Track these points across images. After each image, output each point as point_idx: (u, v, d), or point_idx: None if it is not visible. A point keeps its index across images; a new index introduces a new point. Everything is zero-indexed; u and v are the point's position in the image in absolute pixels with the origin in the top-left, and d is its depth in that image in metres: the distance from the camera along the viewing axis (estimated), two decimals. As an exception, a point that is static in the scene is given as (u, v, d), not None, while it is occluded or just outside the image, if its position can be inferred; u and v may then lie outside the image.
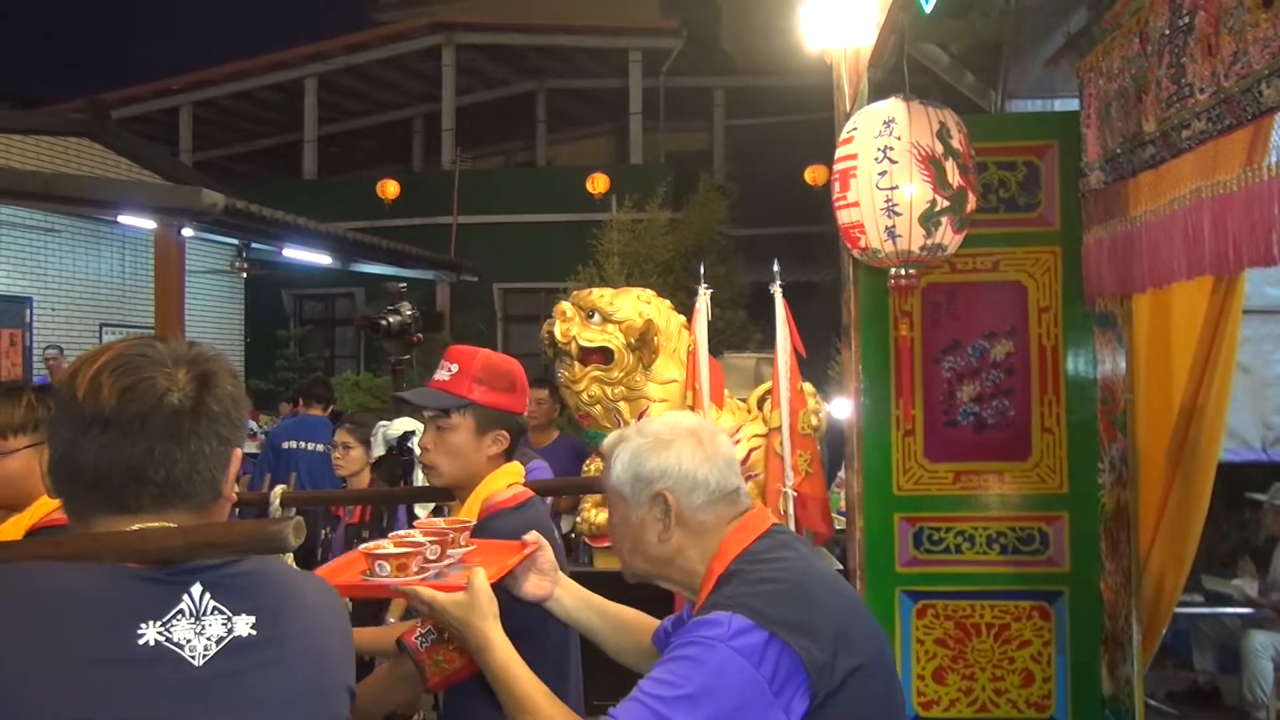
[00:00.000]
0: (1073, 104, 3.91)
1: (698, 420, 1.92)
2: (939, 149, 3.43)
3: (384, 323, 3.40)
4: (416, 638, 2.25)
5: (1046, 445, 4.12)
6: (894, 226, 3.45)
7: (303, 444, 6.97)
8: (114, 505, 1.21)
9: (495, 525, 2.33)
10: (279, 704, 1.20)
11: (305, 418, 7.47)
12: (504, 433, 2.43)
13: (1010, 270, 4.15)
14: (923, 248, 3.47)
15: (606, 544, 5.34)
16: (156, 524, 1.21)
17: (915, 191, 3.41)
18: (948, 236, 3.48)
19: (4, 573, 1.14)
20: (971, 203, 3.50)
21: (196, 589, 1.18)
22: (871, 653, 1.74)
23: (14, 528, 2.22)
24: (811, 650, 1.63)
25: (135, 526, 1.20)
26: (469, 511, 2.40)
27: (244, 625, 1.19)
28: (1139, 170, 3.18)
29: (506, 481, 2.43)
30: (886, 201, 3.44)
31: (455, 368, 2.42)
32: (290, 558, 1.72)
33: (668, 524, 1.78)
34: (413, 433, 3.71)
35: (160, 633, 1.14)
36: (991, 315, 4.17)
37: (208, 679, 1.15)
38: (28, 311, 11.27)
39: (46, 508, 2.23)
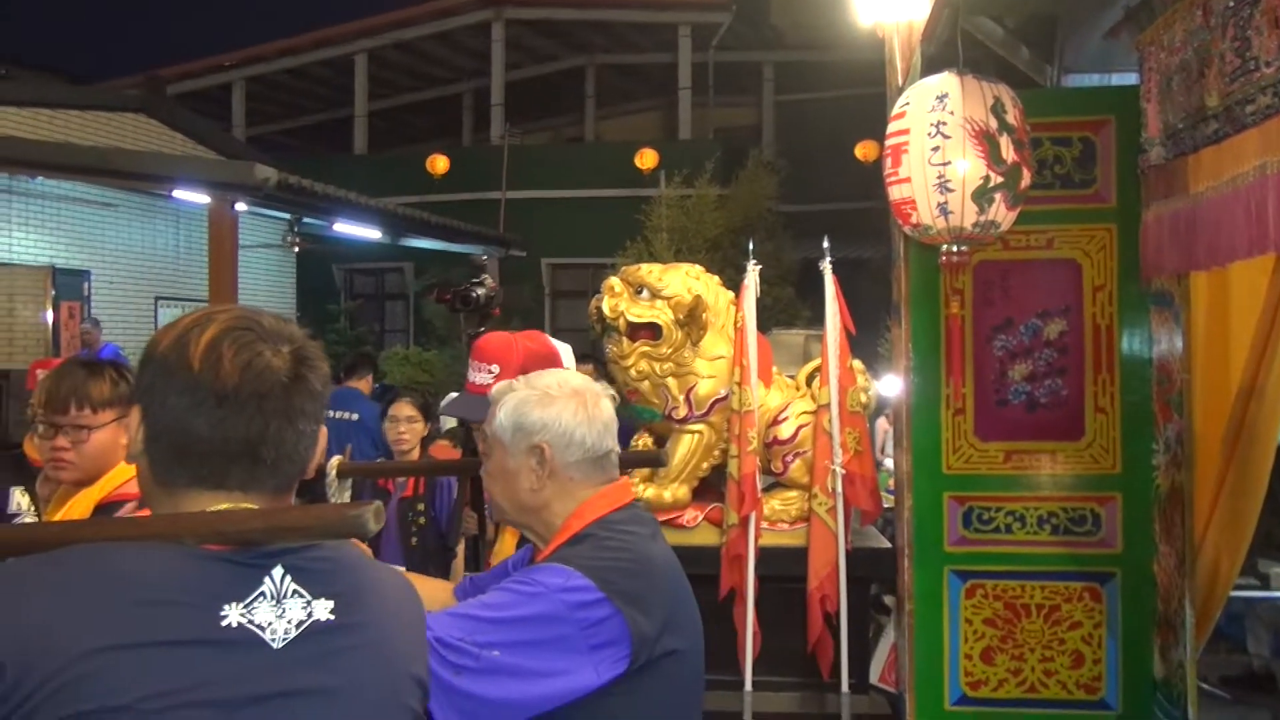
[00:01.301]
0: (1131, 78, 3.84)
1: (585, 381, 1.94)
2: (993, 124, 3.38)
3: (475, 295, 3.40)
4: None
5: (1100, 425, 4.07)
6: (946, 203, 3.41)
7: (334, 412, 7.06)
8: (214, 481, 1.20)
9: None
10: (353, 689, 1.20)
11: (344, 389, 7.57)
12: None
13: (1065, 248, 4.09)
14: (975, 224, 3.43)
15: (660, 519, 5.35)
16: (238, 505, 1.21)
17: (968, 167, 3.36)
18: (1001, 213, 3.44)
19: (87, 553, 1.14)
20: (1026, 179, 3.45)
21: (278, 572, 1.18)
22: (691, 641, 1.82)
23: (85, 500, 2.26)
24: (640, 623, 1.69)
25: (222, 505, 1.20)
26: None
27: (323, 610, 1.20)
28: (1200, 146, 3.12)
29: None
30: (939, 177, 3.40)
31: (497, 369, 2.39)
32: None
33: (540, 475, 1.82)
34: None
35: (243, 614, 1.14)
36: (1045, 293, 4.12)
37: (286, 662, 1.15)
38: (86, 284, 11.46)
39: (115, 481, 2.26)
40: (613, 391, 1.90)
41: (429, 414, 4.55)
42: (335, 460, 2.71)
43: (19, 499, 3.34)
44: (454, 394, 3.86)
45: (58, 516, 2.28)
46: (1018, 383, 4.12)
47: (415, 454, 4.57)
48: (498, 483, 1.87)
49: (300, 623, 1.18)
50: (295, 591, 1.19)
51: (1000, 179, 3.37)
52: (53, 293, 10.71)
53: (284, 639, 1.16)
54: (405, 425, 4.57)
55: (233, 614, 1.14)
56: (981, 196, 3.38)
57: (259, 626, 1.15)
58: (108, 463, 2.30)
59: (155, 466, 1.22)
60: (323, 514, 1.20)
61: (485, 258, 3.79)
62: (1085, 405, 4.08)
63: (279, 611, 1.17)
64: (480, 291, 3.47)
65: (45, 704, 1.03)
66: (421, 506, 4.38)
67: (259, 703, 1.13)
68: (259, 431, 1.20)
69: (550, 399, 1.84)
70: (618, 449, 1.91)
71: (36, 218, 10.95)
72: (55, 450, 2.28)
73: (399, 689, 1.28)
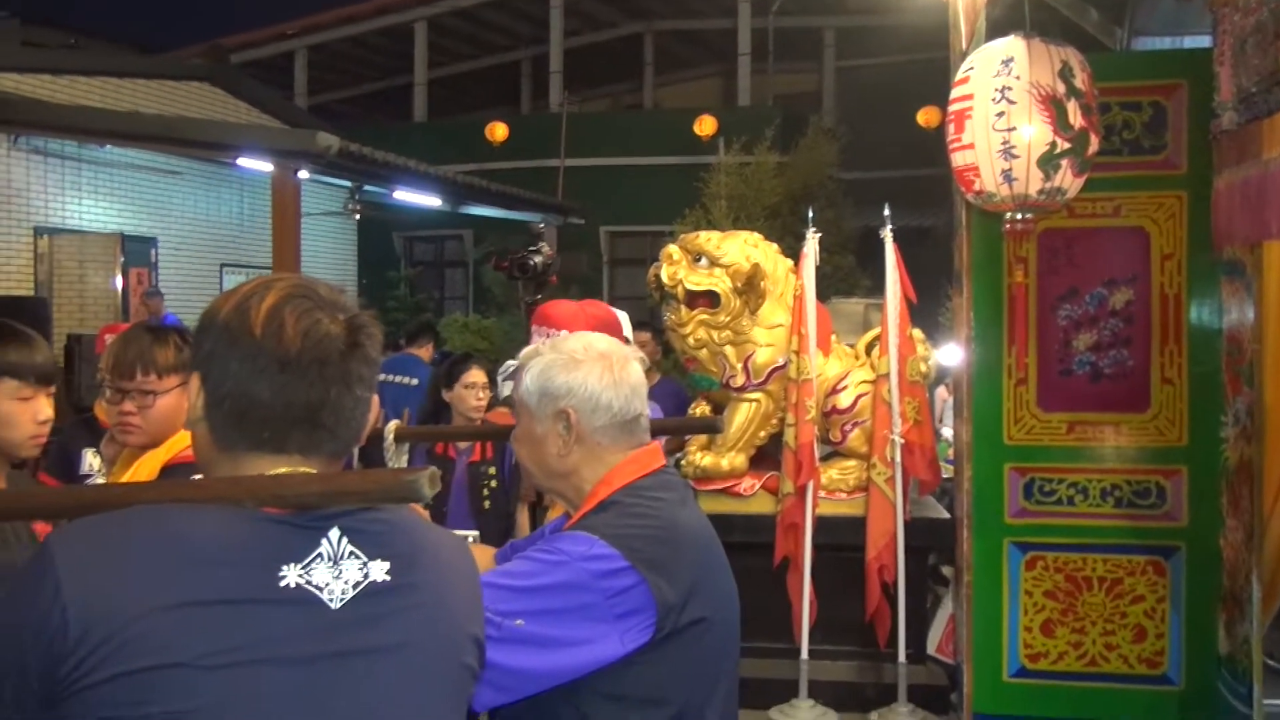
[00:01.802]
0: (1204, 41, 3.74)
1: (613, 344, 1.91)
2: (1060, 89, 3.31)
3: (532, 263, 3.42)
4: None
5: (1166, 397, 4.00)
6: (1010, 169, 3.35)
7: (392, 377, 7.14)
8: (274, 445, 1.22)
9: None
10: (409, 649, 1.22)
11: (404, 355, 7.66)
12: None
13: (1133, 215, 4.00)
14: (1040, 191, 3.37)
15: (711, 486, 5.37)
16: (296, 469, 1.23)
17: (1034, 133, 3.30)
18: (1067, 180, 3.37)
19: (150, 514, 1.16)
20: (1093, 145, 3.38)
21: (334, 533, 1.19)
22: (719, 609, 1.77)
23: (151, 462, 2.31)
24: (665, 590, 1.67)
25: (280, 470, 1.22)
26: None
27: (379, 571, 1.21)
28: (1275, 110, 3.03)
29: None
30: (1003, 143, 3.34)
31: (564, 335, 2.41)
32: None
33: (568, 441, 1.81)
34: None
35: (301, 575, 1.16)
36: (1112, 262, 4.04)
37: (343, 622, 1.17)
38: (153, 251, 11.67)
39: (180, 444, 2.30)
40: (643, 355, 1.86)
41: (450, 380, 4.59)
42: (393, 425, 2.73)
43: (91, 460, 3.42)
44: (512, 361, 3.88)
45: (124, 478, 2.33)
46: (1082, 353, 4.06)
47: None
48: (525, 448, 1.86)
49: (357, 584, 1.20)
50: (352, 553, 1.20)
51: (1067, 145, 3.31)
52: (121, 259, 10.92)
53: (341, 599, 1.18)
54: (482, 392, 4.61)
55: (291, 574, 1.16)
56: (1047, 163, 3.32)
57: (316, 587, 1.17)
58: (173, 426, 2.35)
59: (215, 432, 1.24)
60: (379, 479, 1.21)
61: (542, 226, 3.81)
62: (1151, 376, 4.01)
63: (336, 572, 1.18)
64: (537, 259, 3.49)
65: (108, 660, 1.06)
66: (492, 470, 4.42)
67: (316, 661, 1.15)
68: (319, 397, 1.22)
69: (576, 363, 1.82)
70: (647, 413, 1.89)
71: (106, 185, 11.15)
72: (122, 415, 2.33)
73: (456, 648, 1.29)
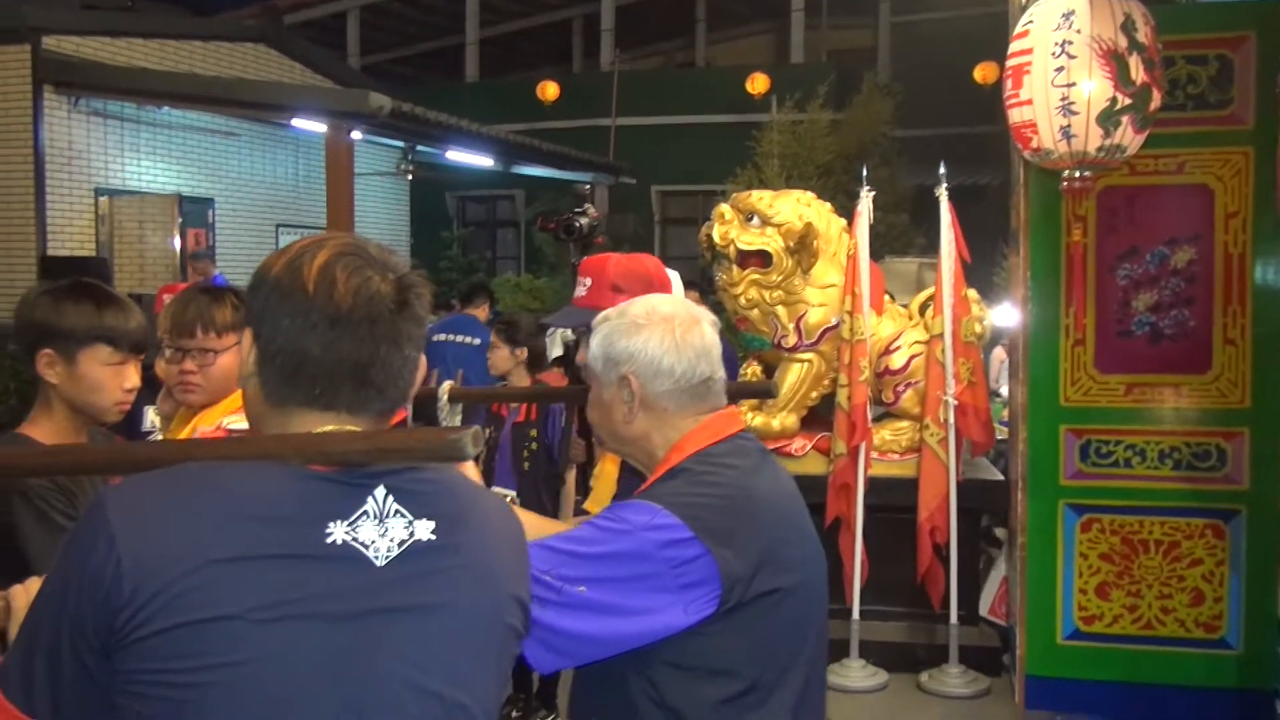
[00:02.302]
0: (1275, -9, 3.63)
1: (679, 306, 1.87)
2: (1122, 43, 3.23)
3: (578, 225, 3.43)
4: None
5: (1229, 358, 3.92)
6: (1069, 126, 3.29)
7: (453, 336, 7.22)
8: (324, 402, 1.23)
9: None
10: (453, 609, 1.23)
11: (461, 315, 7.73)
12: None
13: (1196, 173, 3.92)
14: (1100, 148, 3.30)
15: (767, 447, 5.36)
16: (343, 427, 1.24)
17: (1094, 88, 3.23)
18: (1128, 137, 3.30)
19: (201, 470, 1.18)
20: (1156, 100, 3.31)
21: (380, 492, 1.20)
22: (800, 577, 1.73)
23: (207, 420, 2.34)
24: (730, 561, 1.63)
25: (328, 427, 1.23)
26: None
27: (425, 530, 1.22)
28: (1348, 63, 2.94)
29: None
30: (1062, 99, 3.28)
31: (590, 282, 2.43)
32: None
33: (632, 406, 1.78)
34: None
35: (347, 532, 1.17)
36: (1173, 220, 3.96)
37: (388, 580, 1.18)
38: (210, 212, 11.80)
39: (237, 404, 2.33)
40: (713, 316, 1.83)
41: (516, 341, 4.60)
42: (447, 385, 2.75)
43: (152, 417, 3.50)
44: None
45: (181, 435, 2.37)
46: (1141, 313, 3.99)
47: (521, 380, 4.64)
48: (596, 412, 1.86)
49: (402, 542, 1.20)
50: (397, 511, 1.21)
51: (1128, 100, 3.24)
52: (179, 220, 11.06)
53: (387, 557, 1.19)
54: (492, 352, 4.69)
55: (337, 531, 1.17)
56: (1107, 119, 3.25)
57: (362, 544, 1.18)
58: (232, 385, 2.38)
59: (266, 387, 1.25)
60: (424, 437, 1.22)
61: (588, 187, 3.80)
62: (1213, 337, 3.94)
63: (382, 530, 1.19)
64: (583, 220, 3.50)
65: (160, 613, 1.08)
66: (534, 433, 4.45)
67: (362, 618, 1.16)
68: (369, 354, 1.22)
69: (637, 328, 1.78)
70: (721, 374, 1.85)
71: (164, 147, 11.28)
72: (182, 373, 2.37)
73: (501, 608, 1.30)
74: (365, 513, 1.19)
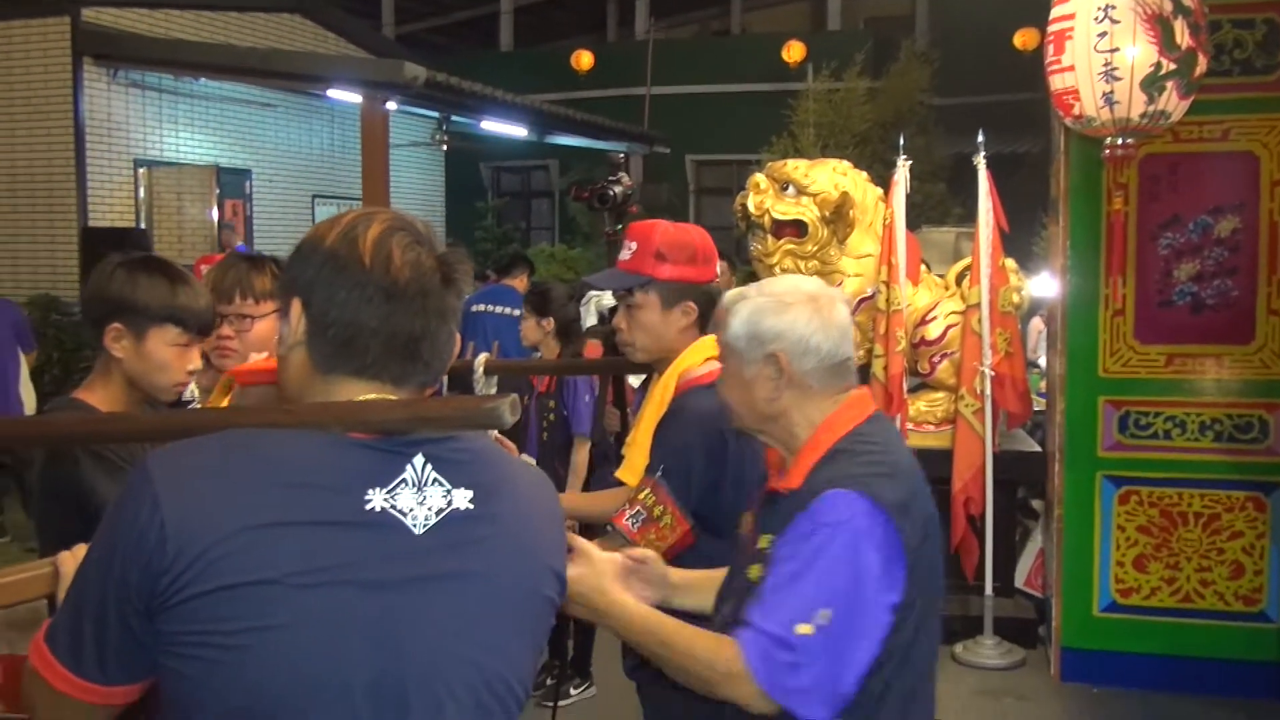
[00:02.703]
0: (1326, -48, 3.55)
1: (820, 285, 1.90)
2: (1167, 7, 3.18)
3: (611, 193, 3.44)
4: (627, 519, 2.33)
5: (1273, 328, 3.87)
6: (1112, 92, 3.24)
7: (490, 307, 7.25)
8: (372, 372, 1.24)
9: (690, 402, 2.37)
10: (490, 578, 1.24)
11: (499, 286, 7.75)
12: (691, 304, 2.44)
13: (1241, 139, 3.85)
14: (1143, 115, 3.25)
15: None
16: (384, 396, 1.25)
17: (1138, 54, 3.18)
18: (1172, 103, 3.25)
19: (242, 437, 1.20)
20: (1201, 65, 3.25)
21: (419, 460, 1.21)
22: (933, 531, 1.79)
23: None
24: (909, 533, 1.68)
25: (370, 396, 1.24)
26: (665, 386, 2.45)
27: (462, 499, 1.23)
28: (1401, 26, 2.87)
29: (702, 356, 2.45)
30: (1105, 65, 3.23)
31: (635, 246, 2.44)
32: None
33: (778, 384, 1.80)
34: None
35: (386, 499, 1.18)
36: (1217, 188, 3.90)
37: (426, 548, 1.19)
38: (248, 183, 11.86)
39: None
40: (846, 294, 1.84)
41: (544, 311, 4.60)
42: (483, 357, 2.77)
43: (192, 388, 3.54)
44: (594, 292, 3.90)
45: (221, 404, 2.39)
46: (1183, 283, 3.94)
47: (550, 350, 4.65)
48: (734, 392, 1.87)
49: (440, 510, 1.21)
50: (436, 480, 1.22)
51: (1173, 66, 3.18)
52: (217, 191, 11.13)
53: (424, 525, 1.20)
54: (522, 323, 4.72)
55: (376, 498, 1.18)
56: (1151, 85, 3.20)
57: (400, 512, 1.19)
58: (269, 351, 2.40)
59: (315, 356, 1.26)
60: (463, 405, 1.23)
61: (622, 156, 3.79)
62: (1257, 307, 3.89)
63: (420, 498, 1.20)
64: (617, 189, 3.50)
65: (202, 575, 1.10)
66: (553, 404, 4.47)
67: (400, 585, 1.18)
68: (422, 327, 1.24)
69: (785, 306, 1.81)
70: (855, 355, 1.89)
71: (201, 118, 11.34)
72: (220, 339, 2.39)
73: (537, 579, 1.31)
74: (404, 480, 1.20)
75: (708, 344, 2.48)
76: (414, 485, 1.21)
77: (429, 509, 1.21)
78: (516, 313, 7.06)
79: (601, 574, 1.81)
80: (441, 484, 1.22)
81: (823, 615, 1.61)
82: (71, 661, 1.16)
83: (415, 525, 1.20)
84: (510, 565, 1.27)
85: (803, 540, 1.67)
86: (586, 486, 4.21)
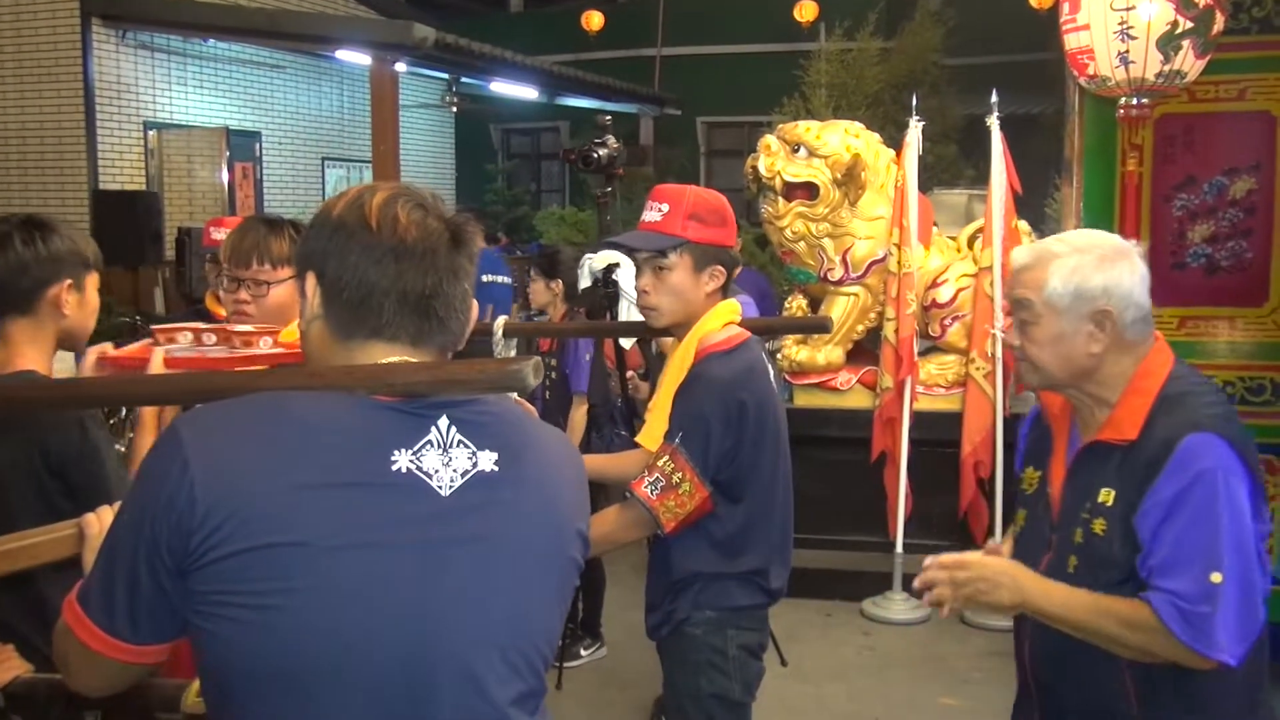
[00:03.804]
0: (1348, -92, 3.49)
1: (1116, 239, 1.92)
2: (1185, -36, 3.13)
3: (595, 155, 3.43)
4: (645, 486, 2.34)
5: (1287, 291, 3.85)
6: (1127, 51, 3.20)
7: (496, 277, 7.16)
8: (390, 333, 1.26)
9: (710, 369, 2.37)
10: (516, 539, 1.26)
11: (488, 253, 7.62)
12: (719, 268, 2.45)
13: (1259, 99, 3.81)
14: (1159, 75, 3.22)
15: (807, 380, 5.36)
16: (407, 359, 1.26)
17: (1154, 11, 3.14)
18: (1188, 62, 3.21)
19: (271, 400, 1.22)
20: (1219, 23, 3.21)
21: (443, 422, 1.23)
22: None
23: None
24: (1253, 463, 1.76)
25: (392, 359, 1.26)
26: (685, 352, 2.44)
27: (488, 461, 1.24)
28: None
29: (721, 321, 2.45)
30: (1120, 24, 3.19)
31: (666, 207, 2.42)
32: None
33: (1101, 339, 1.82)
34: (617, 265, 3.75)
35: (412, 460, 1.20)
36: (1233, 149, 3.86)
37: (453, 509, 1.21)
38: (257, 146, 11.84)
39: (293, 336, 2.33)
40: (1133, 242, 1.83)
41: (551, 274, 4.60)
42: (501, 320, 2.78)
43: (203, 350, 3.54)
44: (590, 255, 3.90)
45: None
46: (1197, 244, 3.92)
47: (558, 313, 4.65)
48: (1047, 349, 1.86)
49: (465, 472, 1.23)
50: (461, 442, 1.23)
51: (1190, 24, 3.15)
52: (227, 154, 11.11)
53: (450, 486, 1.21)
54: (531, 286, 4.73)
55: (402, 459, 1.19)
56: (1167, 44, 3.17)
57: (426, 474, 1.20)
58: (285, 317, 2.39)
59: (333, 323, 1.28)
60: (485, 368, 1.23)
61: (609, 118, 3.78)
62: (1272, 269, 3.86)
63: (446, 460, 1.22)
64: (602, 152, 3.49)
65: (232, 536, 1.12)
66: (555, 362, 4.49)
67: (428, 546, 1.19)
68: (433, 285, 1.26)
69: (1108, 261, 1.83)
70: None
71: (211, 80, 11.29)
72: (237, 303, 2.39)
73: (563, 541, 1.32)
74: (429, 442, 1.21)
75: (727, 309, 2.47)
76: (439, 447, 1.22)
77: (455, 470, 1.22)
78: (503, 280, 7.09)
79: (1004, 569, 1.84)
80: (466, 445, 1.24)
81: (1225, 560, 1.67)
82: (104, 620, 1.19)
83: (441, 487, 1.21)
84: (537, 527, 1.29)
85: (1184, 493, 1.71)
86: (585, 447, 4.22)
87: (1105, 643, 1.76)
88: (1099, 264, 1.82)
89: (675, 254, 2.41)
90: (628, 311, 3.72)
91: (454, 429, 1.23)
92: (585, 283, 4.00)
